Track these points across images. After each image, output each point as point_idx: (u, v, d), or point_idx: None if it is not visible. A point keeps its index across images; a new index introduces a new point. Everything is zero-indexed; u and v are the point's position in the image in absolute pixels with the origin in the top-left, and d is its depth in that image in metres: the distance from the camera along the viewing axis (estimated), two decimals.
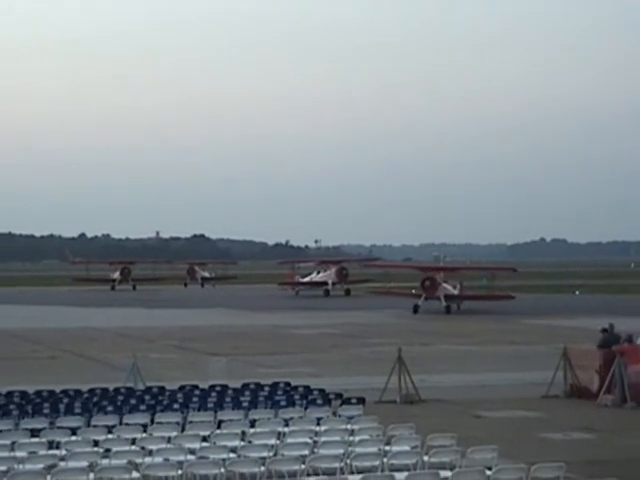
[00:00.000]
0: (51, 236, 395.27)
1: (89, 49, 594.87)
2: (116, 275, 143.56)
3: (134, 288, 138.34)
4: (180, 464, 19.51)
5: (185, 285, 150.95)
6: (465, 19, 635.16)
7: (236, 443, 22.07)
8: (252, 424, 24.35)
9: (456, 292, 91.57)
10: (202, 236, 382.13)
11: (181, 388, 29.95)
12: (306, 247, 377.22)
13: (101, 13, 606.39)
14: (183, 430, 23.83)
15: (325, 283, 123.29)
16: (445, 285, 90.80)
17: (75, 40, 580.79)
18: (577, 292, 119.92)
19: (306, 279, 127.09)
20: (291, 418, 25.19)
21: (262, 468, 19.42)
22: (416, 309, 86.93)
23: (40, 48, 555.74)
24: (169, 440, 22.42)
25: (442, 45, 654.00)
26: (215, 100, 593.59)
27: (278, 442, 22.11)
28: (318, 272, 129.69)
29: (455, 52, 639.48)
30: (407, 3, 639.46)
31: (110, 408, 26.71)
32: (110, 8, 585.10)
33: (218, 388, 29.75)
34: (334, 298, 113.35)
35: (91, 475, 18.85)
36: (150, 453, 20.96)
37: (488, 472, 18.12)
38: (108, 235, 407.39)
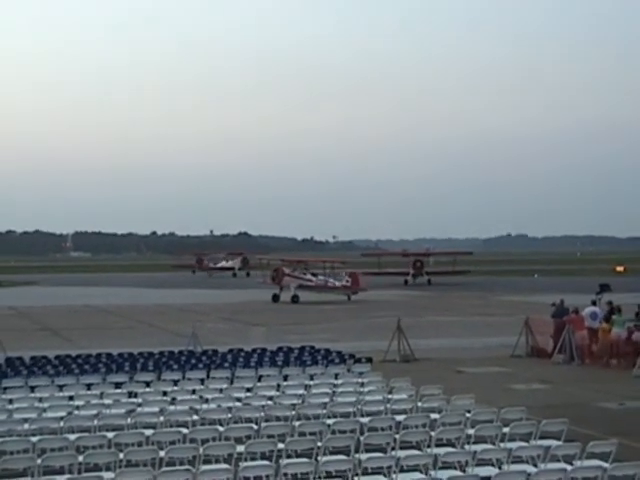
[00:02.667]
0: (130, 234, 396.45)
1: None
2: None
3: (210, 275, 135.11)
4: (230, 409, 19.52)
5: (193, 272, 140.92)
6: None
7: (272, 393, 22.08)
8: (285, 378, 24.34)
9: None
10: (245, 233, 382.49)
11: (230, 351, 29.99)
12: (326, 241, 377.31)
13: None
14: (232, 383, 23.85)
15: None
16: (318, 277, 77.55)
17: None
18: (536, 275, 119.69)
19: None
20: (315, 374, 25.17)
21: (293, 412, 19.41)
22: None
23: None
24: (221, 391, 22.43)
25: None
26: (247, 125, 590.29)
27: (305, 392, 22.10)
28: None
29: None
30: None
31: (175, 366, 26.78)
32: None
33: (259, 350, 29.79)
34: None
35: (161, 418, 18.91)
36: (207, 401, 20.97)
37: (467, 415, 18.08)
38: (173, 233, 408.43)
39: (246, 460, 14.97)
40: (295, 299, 72.67)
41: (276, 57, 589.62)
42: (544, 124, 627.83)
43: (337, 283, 77.40)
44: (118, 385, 23.23)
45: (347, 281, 77.42)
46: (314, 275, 77.39)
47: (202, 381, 23.92)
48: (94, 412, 19.22)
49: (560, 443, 15.91)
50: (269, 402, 20.84)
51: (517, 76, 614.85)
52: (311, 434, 17.02)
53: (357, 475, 14.40)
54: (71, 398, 21.37)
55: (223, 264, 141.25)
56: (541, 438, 16.50)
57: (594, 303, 36.33)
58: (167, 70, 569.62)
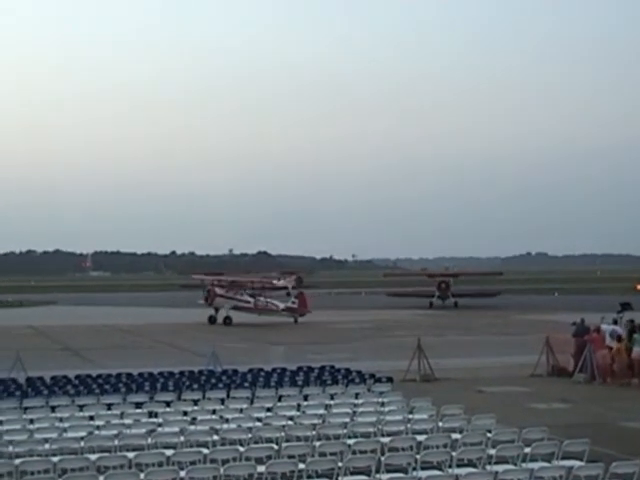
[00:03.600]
0: (149, 254, 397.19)
1: None
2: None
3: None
4: (250, 429, 19.50)
5: None
6: None
7: (293, 413, 22.05)
8: (305, 398, 24.33)
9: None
10: (265, 253, 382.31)
11: (250, 370, 29.97)
12: (345, 260, 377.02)
13: None
14: (252, 403, 23.85)
15: None
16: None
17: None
18: (556, 293, 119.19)
19: None
20: (335, 393, 25.16)
21: (313, 432, 19.38)
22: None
23: None
24: (241, 411, 22.41)
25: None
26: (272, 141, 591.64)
27: (325, 412, 22.07)
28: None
29: None
30: None
31: (195, 386, 26.80)
32: None
33: (278, 370, 29.77)
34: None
35: (182, 438, 18.91)
36: (227, 421, 20.97)
37: (489, 435, 18.01)
38: (193, 252, 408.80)
39: None
40: (227, 321, 69.94)
41: (292, 70, 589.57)
42: (568, 139, 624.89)
43: (281, 305, 73.65)
44: (138, 405, 23.26)
45: (293, 302, 73.72)
46: (253, 296, 73.23)
47: (222, 401, 23.92)
48: (115, 432, 19.25)
49: (582, 464, 15.81)
50: (289, 422, 20.79)
51: (531, 89, 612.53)
52: (332, 454, 16.97)
53: None
54: (92, 418, 21.41)
55: (275, 283, 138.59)
56: (563, 458, 16.41)
57: (615, 322, 36.19)
58: (199, 81, 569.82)
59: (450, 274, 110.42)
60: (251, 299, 72.65)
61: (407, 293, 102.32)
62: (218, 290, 72.25)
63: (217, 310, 71.06)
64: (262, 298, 73.36)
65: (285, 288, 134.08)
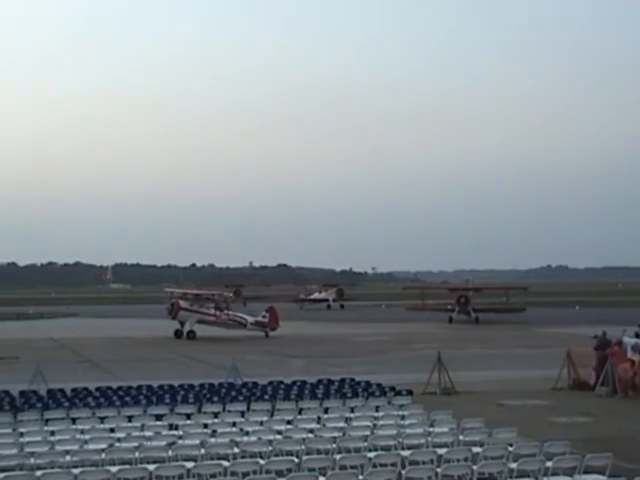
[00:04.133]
0: (169, 266, 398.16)
1: None
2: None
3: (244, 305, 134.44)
4: (270, 442, 19.50)
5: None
6: None
7: (313, 425, 22.06)
8: (325, 411, 24.31)
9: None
10: (284, 265, 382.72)
11: (270, 383, 29.97)
12: (365, 273, 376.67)
13: None
14: (272, 415, 23.86)
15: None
16: None
17: None
18: (577, 307, 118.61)
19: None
20: (356, 406, 25.14)
21: (334, 445, 19.37)
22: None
23: None
24: (261, 423, 22.45)
25: None
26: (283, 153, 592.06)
27: (346, 425, 22.05)
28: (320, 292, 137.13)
29: None
30: None
31: (216, 398, 26.82)
32: None
33: (299, 383, 29.76)
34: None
35: (202, 450, 18.93)
36: (247, 433, 20.99)
37: (510, 448, 17.95)
38: (213, 265, 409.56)
39: None
40: (190, 335, 68.31)
41: (306, 88, 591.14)
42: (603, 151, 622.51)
43: (250, 319, 71.25)
44: (159, 417, 23.33)
45: (264, 316, 71.59)
46: (220, 309, 71.27)
47: (242, 413, 23.96)
48: (135, 444, 19.30)
49: (605, 478, 15.74)
50: (310, 435, 20.79)
51: (556, 104, 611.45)
52: (352, 467, 16.97)
53: None
54: (112, 430, 21.49)
55: (316, 295, 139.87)
56: (585, 473, 16.33)
57: (637, 335, 36.03)
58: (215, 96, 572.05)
59: (472, 288, 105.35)
60: (216, 312, 70.70)
61: (427, 307, 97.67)
62: (182, 303, 70.59)
63: (182, 324, 69.48)
64: (227, 311, 71.58)
65: (326, 300, 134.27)
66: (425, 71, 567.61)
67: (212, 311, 70.69)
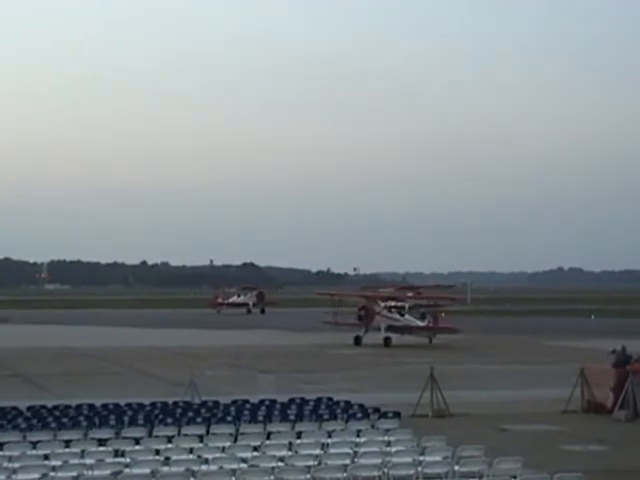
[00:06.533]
0: (115, 263, 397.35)
1: None
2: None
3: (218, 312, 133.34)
4: (233, 472, 19.48)
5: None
6: None
7: (284, 453, 22.04)
8: (298, 435, 24.31)
9: None
10: (252, 264, 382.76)
11: (234, 402, 29.92)
12: (345, 274, 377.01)
13: None
14: (236, 440, 23.84)
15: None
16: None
17: None
18: (592, 316, 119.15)
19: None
20: (334, 430, 25.13)
21: (308, 476, 19.37)
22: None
23: None
24: (223, 450, 22.40)
25: None
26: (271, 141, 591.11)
27: (322, 452, 22.06)
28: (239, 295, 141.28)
29: None
30: None
31: (170, 420, 26.76)
32: None
33: (267, 402, 29.75)
34: None
35: None
36: (206, 461, 20.96)
37: None
38: (167, 263, 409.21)
39: None
40: (388, 342, 70.07)
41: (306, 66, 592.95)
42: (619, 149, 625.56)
43: (419, 323, 75.26)
44: (102, 442, 23.23)
45: (429, 321, 75.45)
46: (402, 314, 74.12)
47: (201, 438, 23.91)
48: (74, 474, 19.23)
49: None
50: (280, 463, 20.77)
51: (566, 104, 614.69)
52: None
53: None
54: (46, 457, 21.38)
55: (235, 299, 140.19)
56: None
57: None
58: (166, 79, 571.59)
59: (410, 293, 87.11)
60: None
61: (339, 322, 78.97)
62: (377, 308, 72.73)
63: (366, 330, 71.71)
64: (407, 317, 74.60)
65: (245, 305, 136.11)
66: None
67: (397, 316, 73.59)
